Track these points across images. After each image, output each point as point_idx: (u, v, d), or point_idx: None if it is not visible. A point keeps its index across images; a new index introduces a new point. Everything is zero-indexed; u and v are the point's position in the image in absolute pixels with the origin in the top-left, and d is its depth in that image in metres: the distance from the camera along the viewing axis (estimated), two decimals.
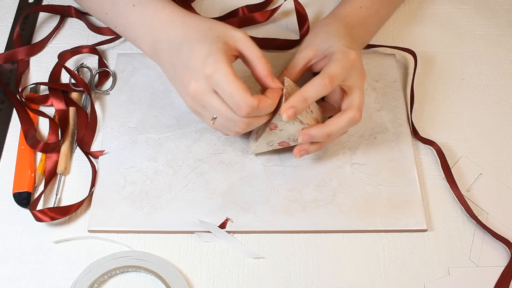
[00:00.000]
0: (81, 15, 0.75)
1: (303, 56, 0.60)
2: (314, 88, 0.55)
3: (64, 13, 0.76)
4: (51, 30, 0.75)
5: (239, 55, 0.56)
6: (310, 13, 0.74)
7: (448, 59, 0.73)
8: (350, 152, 0.65)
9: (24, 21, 0.75)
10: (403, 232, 0.61)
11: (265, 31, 0.75)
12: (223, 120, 0.55)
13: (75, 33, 0.75)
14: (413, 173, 0.63)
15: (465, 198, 0.62)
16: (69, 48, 0.73)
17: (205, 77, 0.53)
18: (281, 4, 0.75)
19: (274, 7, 0.76)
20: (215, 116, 0.55)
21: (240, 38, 0.55)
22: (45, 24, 0.76)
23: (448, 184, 0.63)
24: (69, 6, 0.76)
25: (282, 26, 0.76)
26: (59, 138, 0.65)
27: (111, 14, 0.62)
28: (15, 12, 0.77)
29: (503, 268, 0.58)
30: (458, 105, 0.69)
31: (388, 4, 0.69)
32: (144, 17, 0.59)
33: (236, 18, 0.74)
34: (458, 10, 0.77)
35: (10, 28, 0.75)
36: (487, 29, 0.76)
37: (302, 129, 0.57)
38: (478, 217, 0.61)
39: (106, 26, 0.73)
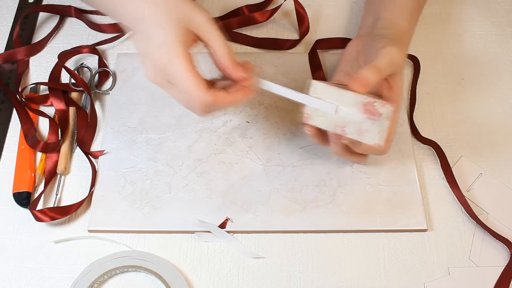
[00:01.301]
0: (81, 14, 0.75)
1: (389, 70, 0.55)
2: (373, 73, 0.52)
3: (64, 13, 0.76)
4: (51, 30, 0.75)
5: (199, 40, 0.52)
6: (310, 13, 0.74)
7: (448, 59, 0.73)
8: None
9: (24, 21, 0.75)
10: (403, 232, 0.61)
11: (265, 31, 0.75)
12: (184, 105, 0.53)
13: (75, 33, 0.75)
14: (413, 173, 0.63)
15: (465, 198, 0.62)
16: (69, 48, 0.73)
17: (159, 69, 0.50)
18: (281, 4, 0.75)
19: (274, 7, 0.76)
20: None
21: (202, 24, 0.51)
22: (45, 24, 0.76)
23: (448, 184, 0.63)
24: (69, 6, 0.76)
25: (282, 26, 0.76)
26: (59, 138, 0.65)
27: None
28: (15, 12, 0.77)
29: (503, 268, 0.58)
30: (458, 105, 0.69)
31: (420, 5, 0.67)
32: None
33: (236, 18, 0.74)
34: (458, 10, 0.77)
35: (10, 28, 0.75)
36: (487, 29, 0.76)
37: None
38: (478, 217, 0.61)
39: (105, 23, 0.73)
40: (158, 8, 0.50)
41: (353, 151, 0.58)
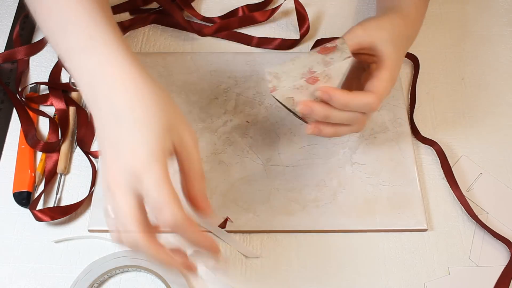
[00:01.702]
0: None
1: (357, 41, 0.55)
2: (361, 104, 0.52)
3: None
4: None
5: (175, 155, 0.46)
6: (310, 13, 0.74)
7: (448, 59, 0.73)
8: (350, 151, 0.65)
9: (24, 20, 0.75)
10: (403, 232, 0.61)
11: (265, 30, 0.75)
12: (117, 221, 0.43)
13: None
14: (413, 173, 0.63)
15: (465, 198, 0.62)
16: None
17: (130, 172, 0.42)
18: (281, 4, 0.75)
19: (274, 6, 0.76)
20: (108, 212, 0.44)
21: (188, 145, 0.45)
22: None
23: (448, 184, 0.63)
24: None
25: (282, 26, 0.76)
26: (59, 138, 0.65)
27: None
28: (15, 12, 0.77)
29: (503, 267, 0.58)
30: (458, 105, 0.69)
31: (426, 6, 0.65)
32: (88, 62, 0.45)
33: (236, 18, 0.74)
34: (458, 10, 0.77)
35: (10, 28, 0.75)
36: (487, 29, 0.76)
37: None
38: (478, 216, 0.61)
39: None
40: (146, 108, 0.44)
41: (345, 124, 0.55)
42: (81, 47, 0.45)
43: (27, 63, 0.72)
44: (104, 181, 0.44)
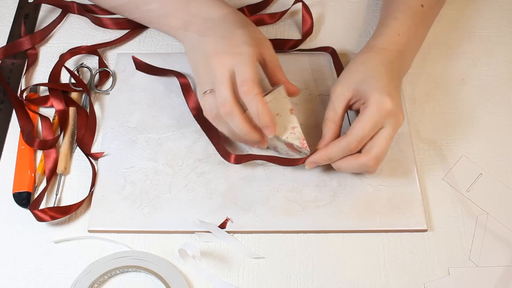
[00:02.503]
0: (83, 11, 0.75)
1: (341, 98, 0.58)
2: (340, 150, 0.57)
3: (66, 8, 0.76)
4: (54, 20, 0.75)
5: (261, 62, 0.59)
6: (313, 13, 0.74)
7: (448, 59, 0.73)
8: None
9: (24, 20, 0.75)
10: (403, 232, 0.61)
11: (267, 29, 0.75)
12: (216, 96, 0.56)
13: (75, 33, 0.75)
14: (413, 173, 0.63)
15: (465, 198, 0.62)
16: (69, 47, 0.73)
17: (228, 66, 0.55)
18: (290, 8, 0.75)
19: (273, 5, 0.75)
20: (208, 90, 0.56)
21: (268, 47, 0.59)
22: (45, 24, 0.76)
23: (448, 184, 0.63)
24: (72, 2, 0.76)
25: (284, 25, 0.76)
26: (54, 135, 0.65)
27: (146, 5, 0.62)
28: (15, 12, 0.77)
29: (503, 268, 0.58)
30: (458, 105, 0.69)
31: (425, 24, 0.66)
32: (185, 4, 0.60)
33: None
34: (458, 11, 0.77)
35: (10, 28, 0.75)
36: (487, 29, 0.76)
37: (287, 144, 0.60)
38: (478, 217, 0.61)
39: (107, 17, 0.74)
40: (237, 18, 0.59)
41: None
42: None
43: (36, 56, 0.72)
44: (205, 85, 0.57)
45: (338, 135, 0.59)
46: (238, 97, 0.55)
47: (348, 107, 0.59)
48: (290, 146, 0.60)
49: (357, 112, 0.59)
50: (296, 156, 0.61)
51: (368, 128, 0.55)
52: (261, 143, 0.59)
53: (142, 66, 0.70)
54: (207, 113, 0.57)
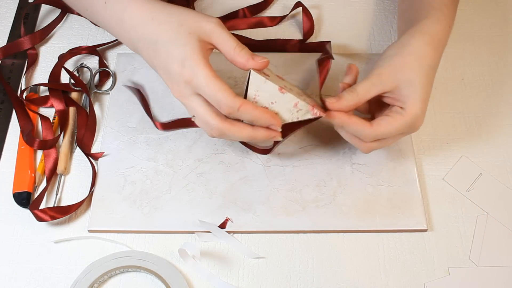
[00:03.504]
0: None
1: (382, 87, 0.55)
2: (355, 131, 0.55)
3: (66, 8, 0.76)
4: (54, 19, 0.75)
5: (214, 47, 0.54)
6: (313, 13, 0.74)
7: (448, 59, 0.73)
8: (350, 152, 0.65)
9: (24, 20, 0.75)
10: (403, 232, 0.61)
11: (268, 30, 0.75)
12: (200, 122, 0.55)
13: (75, 33, 0.75)
14: (413, 173, 0.63)
15: (465, 198, 0.62)
16: (69, 47, 0.73)
17: (184, 82, 0.52)
18: (291, 12, 0.75)
19: (274, 5, 0.75)
20: (193, 115, 0.55)
21: (212, 31, 0.53)
22: (45, 24, 0.76)
23: (448, 184, 0.63)
24: None
25: (285, 26, 0.76)
26: (54, 136, 0.65)
27: (90, 12, 0.60)
28: (15, 12, 0.77)
29: (503, 268, 0.58)
30: (458, 105, 0.69)
31: (454, 17, 0.64)
32: (115, 15, 0.56)
33: (244, 20, 0.74)
34: (458, 11, 0.77)
35: (10, 28, 0.75)
36: (487, 29, 0.76)
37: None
38: (478, 217, 0.61)
39: None
40: (169, 28, 0.53)
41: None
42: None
43: (36, 56, 0.72)
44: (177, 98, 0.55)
45: (353, 109, 0.56)
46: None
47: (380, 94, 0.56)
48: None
49: (379, 102, 0.57)
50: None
51: (393, 134, 0.55)
52: (274, 137, 0.55)
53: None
54: (211, 135, 0.56)
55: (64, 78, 0.71)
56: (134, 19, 0.55)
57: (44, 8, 0.77)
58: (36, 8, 0.77)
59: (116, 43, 0.74)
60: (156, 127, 0.65)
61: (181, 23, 0.53)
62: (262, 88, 0.53)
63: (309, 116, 0.54)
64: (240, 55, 0.53)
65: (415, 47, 0.57)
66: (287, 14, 0.75)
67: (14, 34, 0.74)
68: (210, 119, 0.53)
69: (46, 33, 0.74)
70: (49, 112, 0.68)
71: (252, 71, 0.53)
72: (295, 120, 0.54)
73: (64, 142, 0.65)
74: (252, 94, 0.53)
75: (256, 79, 0.53)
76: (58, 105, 0.67)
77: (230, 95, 0.51)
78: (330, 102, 0.54)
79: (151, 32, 0.54)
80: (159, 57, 0.54)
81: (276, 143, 0.60)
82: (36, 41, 0.73)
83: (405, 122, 0.55)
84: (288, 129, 0.56)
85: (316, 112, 0.54)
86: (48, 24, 0.74)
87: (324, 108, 0.55)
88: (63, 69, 0.70)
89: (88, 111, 0.68)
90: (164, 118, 0.67)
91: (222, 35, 0.53)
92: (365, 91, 0.55)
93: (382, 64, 0.56)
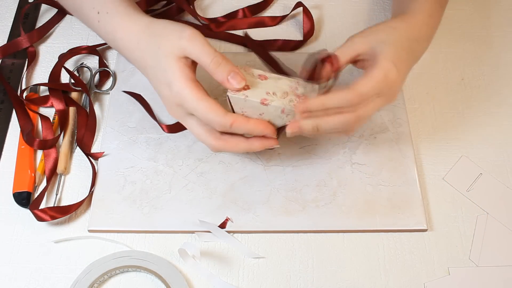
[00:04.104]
0: None
1: (355, 47, 0.55)
2: (338, 101, 0.52)
3: (65, 9, 0.76)
4: (53, 17, 0.75)
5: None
6: (313, 13, 0.74)
7: (448, 59, 0.73)
8: (350, 152, 0.65)
9: (24, 20, 0.75)
10: (403, 232, 0.61)
11: (268, 30, 0.75)
12: (198, 139, 0.55)
13: (75, 33, 0.75)
14: (413, 173, 0.63)
15: (465, 198, 0.62)
16: (69, 47, 0.73)
17: (176, 105, 0.53)
18: (291, 11, 0.75)
19: (274, 5, 0.75)
20: None
21: (185, 48, 0.52)
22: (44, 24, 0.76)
23: (448, 184, 0.63)
24: None
25: (286, 26, 0.76)
26: (54, 135, 0.65)
27: (87, 25, 0.62)
28: (15, 12, 0.77)
29: (503, 268, 0.58)
30: (458, 105, 0.69)
31: (443, 9, 0.64)
32: (108, 35, 0.58)
33: (245, 20, 0.74)
34: (458, 11, 0.77)
35: (10, 28, 0.75)
36: (487, 29, 0.76)
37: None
38: (478, 217, 0.61)
39: None
40: (152, 53, 0.53)
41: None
42: (98, 18, 0.58)
43: (35, 54, 0.72)
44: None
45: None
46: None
47: (353, 60, 0.56)
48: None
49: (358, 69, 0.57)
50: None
51: (372, 88, 0.52)
52: (271, 145, 0.55)
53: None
54: (211, 150, 0.57)
55: (64, 78, 0.71)
56: (124, 42, 0.56)
57: (44, 7, 0.77)
58: (36, 7, 0.77)
59: None
60: (163, 129, 0.65)
61: (158, 45, 0.53)
62: (245, 105, 0.54)
63: (298, 117, 0.54)
64: (216, 74, 0.52)
65: (388, 21, 0.58)
66: (288, 14, 0.75)
67: (14, 33, 0.74)
68: (205, 139, 0.54)
69: (44, 31, 0.74)
70: (49, 112, 0.68)
71: (229, 95, 0.53)
72: (287, 123, 0.54)
73: (64, 142, 0.65)
74: (240, 111, 0.54)
75: (236, 101, 0.53)
76: (58, 105, 0.67)
77: (220, 114, 0.51)
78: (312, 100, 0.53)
79: (139, 58, 0.55)
80: (151, 80, 0.55)
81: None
82: (34, 39, 0.73)
83: (378, 77, 0.53)
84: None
85: (298, 107, 0.53)
86: (46, 22, 0.74)
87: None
88: (63, 69, 0.71)
89: (88, 111, 0.68)
90: (164, 118, 0.67)
91: (196, 50, 0.52)
92: (341, 56, 0.55)
93: (355, 34, 0.57)
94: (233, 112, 0.54)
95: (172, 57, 0.52)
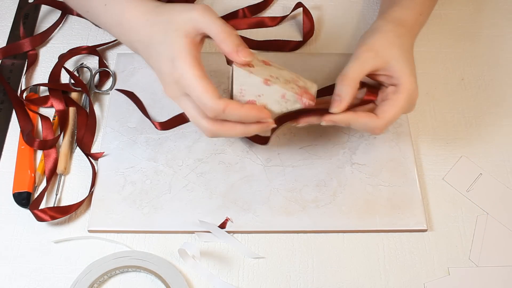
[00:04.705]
0: None
1: (372, 63, 0.55)
2: (364, 126, 0.55)
3: (66, 10, 0.76)
4: (54, 23, 0.75)
5: (205, 35, 0.53)
6: (313, 14, 0.74)
7: (448, 59, 0.73)
8: (350, 152, 0.65)
9: (24, 21, 0.75)
10: (403, 232, 0.61)
11: (268, 30, 0.75)
12: (193, 122, 0.54)
13: (75, 33, 0.75)
14: (413, 173, 0.63)
15: (465, 198, 0.62)
16: (69, 48, 0.73)
17: (174, 82, 0.52)
18: (291, 12, 0.75)
19: (274, 5, 0.75)
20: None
21: (196, 19, 0.51)
22: (44, 24, 0.76)
23: (448, 184, 0.63)
24: None
25: (286, 27, 0.76)
26: (54, 136, 0.65)
27: (91, 14, 0.61)
28: (15, 12, 0.77)
29: (503, 268, 0.58)
30: (458, 105, 0.69)
31: (431, 7, 0.65)
32: (114, 18, 0.57)
33: (244, 22, 0.74)
34: (458, 11, 0.77)
35: (10, 28, 0.75)
36: (487, 29, 0.76)
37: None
38: (478, 217, 0.61)
39: None
40: (159, 29, 0.53)
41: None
42: (105, 2, 0.57)
43: (35, 57, 0.72)
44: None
45: (354, 97, 0.55)
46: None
47: (371, 74, 0.56)
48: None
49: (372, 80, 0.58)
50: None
51: (399, 114, 0.55)
52: (268, 127, 0.54)
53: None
54: (206, 135, 0.55)
55: (64, 78, 0.71)
56: (131, 22, 0.55)
57: (44, 8, 0.77)
58: (36, 8, 0.77)
59: (116, 43, 0.74)
60: (156, 127, 0.65)
61: (169, 20, 0.53)
62: (247, 82, 0.52)
63: (298, 106, 0.53)
64: (225, 43, 0.51)
65: (389, 26, 0.58)
66: (288, 15, 0.75)
67: (14, 34, 0.74)
68: (200, 121, 0.52)
69: (47, 35, 0.74)
70: (49, 112, 0.68)
71: (234, 67, 0.52)
72: (284, 111, 0.53)
73: (64, 142, 0.65)
74: (238, 89, 0.53)
75: (239, 74, 0.52)
76: (58, 105, 0.67)
77: (214, 98, 0.50)
78: (335, 108, 0.54)
79: (145, 35, 0.54)
80: (153, 58, 0.54)
81: (273, 130, 0.59)
82: (37, 43, 0.73)
83: (405, 99, 0.54)
84: (283, 120, 0.56)
85: (305, 102, 0.53)
86: (49, 27, 0.74)
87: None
88: (63, 69, 0.71)
89: (88, 111, 0.68)
90: (164, 118, 0.67)
91: (208, 21, 0.51)
92: (358, 73, 0.54)
93: (364, 51, 0.56)
94: (231, 89, 0.53)
95: (181, 31, 0.52)
